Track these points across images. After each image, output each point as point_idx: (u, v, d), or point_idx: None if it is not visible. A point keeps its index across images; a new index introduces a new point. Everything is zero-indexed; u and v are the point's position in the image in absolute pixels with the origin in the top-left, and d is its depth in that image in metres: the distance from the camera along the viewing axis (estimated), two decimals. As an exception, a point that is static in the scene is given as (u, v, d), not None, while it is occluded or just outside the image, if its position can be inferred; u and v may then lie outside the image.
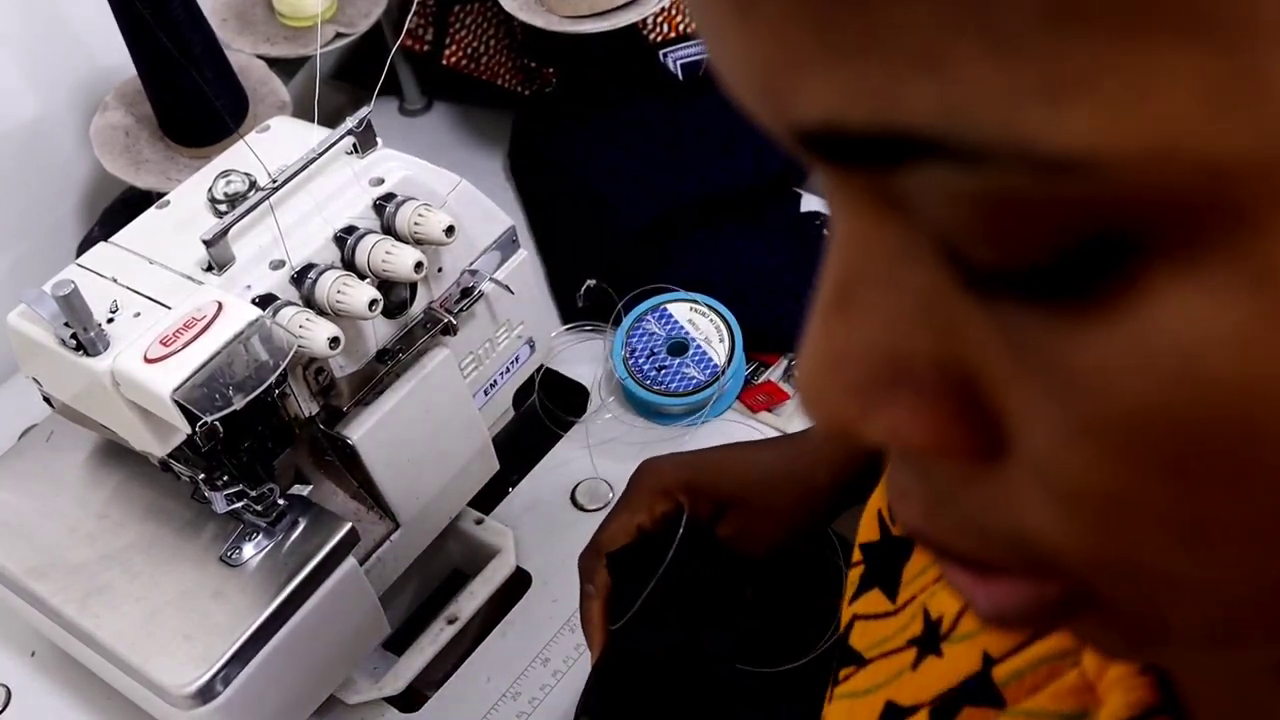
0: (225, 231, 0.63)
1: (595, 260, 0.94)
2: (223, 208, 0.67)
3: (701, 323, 0.87)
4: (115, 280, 0.64)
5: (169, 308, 0.62)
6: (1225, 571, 0.20)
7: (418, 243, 0.67)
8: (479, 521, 0.82)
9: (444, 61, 1.12)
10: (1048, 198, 0.17)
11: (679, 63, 1.02)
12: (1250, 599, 0.20)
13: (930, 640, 0.41)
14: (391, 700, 0.75)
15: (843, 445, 0.67)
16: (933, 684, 0.40)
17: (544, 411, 0.88)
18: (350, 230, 0.66)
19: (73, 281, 0.58)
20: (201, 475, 0.66)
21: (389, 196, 0.68)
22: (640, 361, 0.86)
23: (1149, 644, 0.23)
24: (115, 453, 0.74)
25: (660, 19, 1.01)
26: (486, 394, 0.80)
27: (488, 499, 0.83)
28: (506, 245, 0.76)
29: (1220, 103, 0.15)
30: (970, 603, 0.24)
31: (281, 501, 0.69)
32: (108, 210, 0.99)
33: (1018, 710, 0.36)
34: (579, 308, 0.91)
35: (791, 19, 0.18)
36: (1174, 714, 0.32)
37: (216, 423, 0.59)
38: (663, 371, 0.85)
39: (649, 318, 0.88)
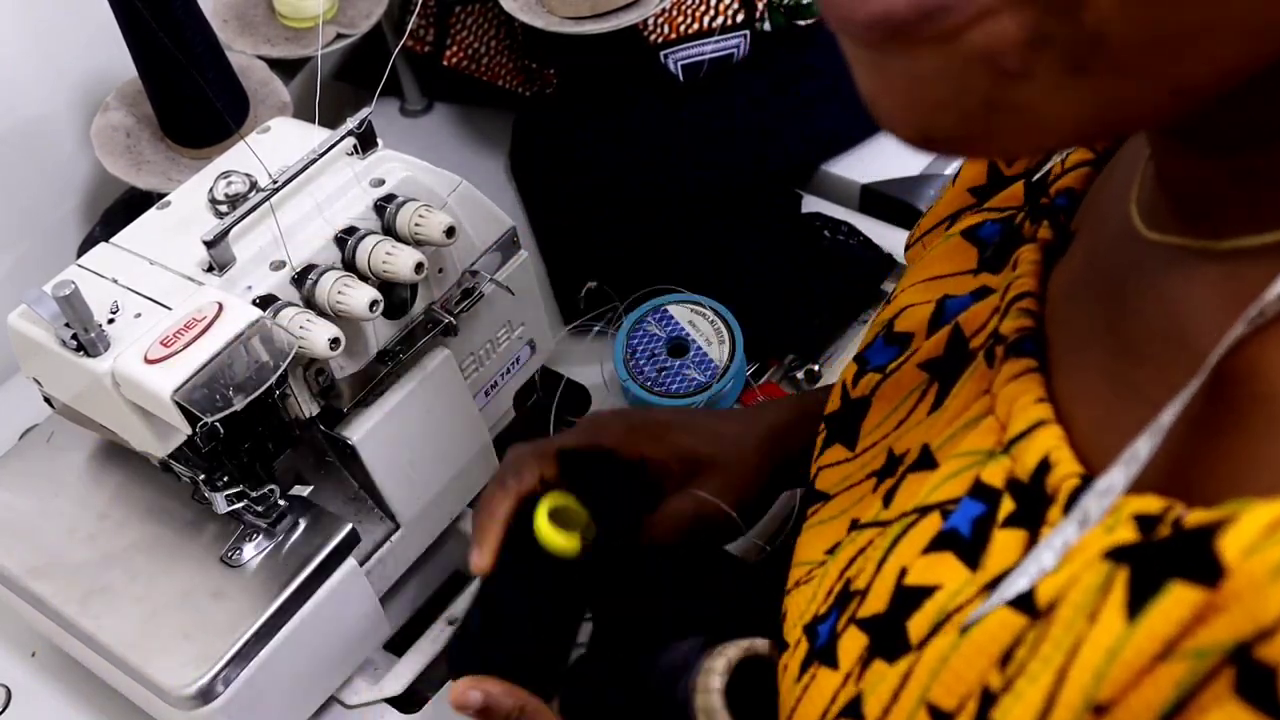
0: (226, 232, 0.63)
1: (596, 261, 0.94)
2: (223, 208, 0.67)
3: (702, 324, 0.87)
4: (116, 281, 0.64)
5: (169, 308, 0.62)
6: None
7: (418, 244, 0.67)
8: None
9: (445, 62, 1.12)
10: None
11: (679, 63, 1.02)
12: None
13: (891, 468, 0.47)
14: (392, 701, 0.75)
15: (790, 409, 0.69)
16: (886, 491, 0.46)
17: (545, 413, 0.88)
18: (351, 231, 0.66)
19: (73, 282, 0.58)
20: (202, 476, 0.66)
21: (390, 197, 0.68)
22: (641, 363, 0.86)
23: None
24: (116, 453, 0.74)
25: (661, 20, 1.01)
26: (487, 395, 0.80)
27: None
28: (507, 246, 0.76)
29: None
30: (861, 9, 0.28)
31: (282, 502, 0.69)
32: (108, 211, 0.99)
33: (952, 455, 0.41)
34: (580, 309, 0.91)
35: None
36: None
37: (217, 423, 0.59)
38: (663, 373, 0.85)
39: (650, 319, 0.88)
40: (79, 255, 0.68)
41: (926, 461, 0.43)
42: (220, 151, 0.78)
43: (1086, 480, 0.35)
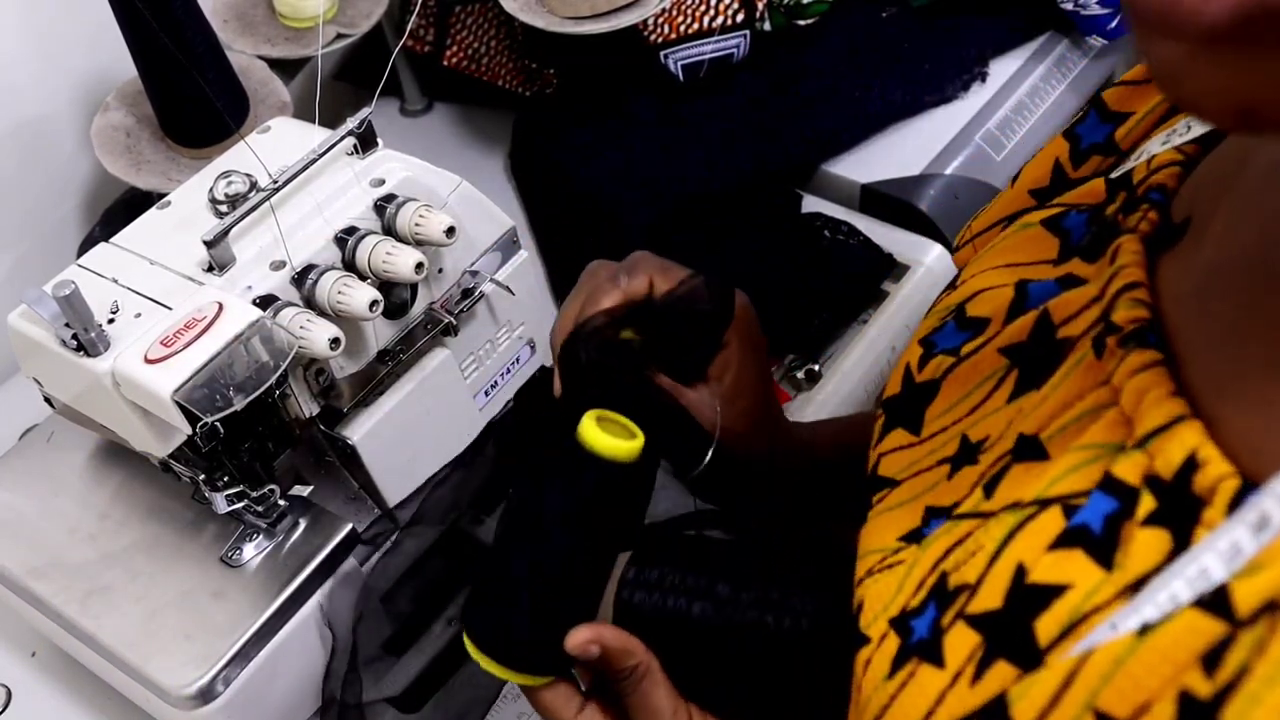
0: (226, 232, 0.63)
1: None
2: (223, 208, 0.67)
3: (702, 324, 0.87)
4: (116, 281, 0.64)
5: (170, 308, 0.62)
6: None
7: (418, 243, 0.67)
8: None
9: (445, 62, 1.12)
10: None
11: (679, 63, 1.02)
12: None
13: (967, 455, 0.45)
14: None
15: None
16: (970, 482, 0.44)
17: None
18: (351, 231, 0.66)
19: (73, 282, 0.58)
20: (202, 476, 0.66)
21: (390, 197, 0.68)
22: (641, 362, 0.86)
23: None
24: (116, 453, 0.74)
25: (661, 20, 1.01)
26: (487, 395, 0.80)
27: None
28: (507, 246, 0.76)
29: None
30: (1198, 18, 0.27)
31: (282, 502, 0.69)
32: (109, 211, 0.99)
33: (1072, 448, 0.39)
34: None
35: None
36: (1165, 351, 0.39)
37: (217, 423, 0.59)
38: (663, 372, 0.85)
39: (649, 318, 0.88)
40: (79, 255, 0.68)
41: (1034, 451, 0.42)
42: (220, 151, 0.78)
43: (1248, 484, 0.34)
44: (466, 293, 0.73)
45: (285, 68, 1.00)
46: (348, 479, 0.73)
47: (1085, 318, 0.44)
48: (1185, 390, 0.38)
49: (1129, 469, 0.37)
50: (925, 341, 0.51)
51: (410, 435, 0.72)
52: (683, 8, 1.02)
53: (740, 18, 1.03)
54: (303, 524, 0.69)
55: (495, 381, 0.80)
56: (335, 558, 0.69)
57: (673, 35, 1.02)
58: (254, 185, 0.67)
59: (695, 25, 1.02)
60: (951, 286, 0.53)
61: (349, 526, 0.69)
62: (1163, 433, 0.36)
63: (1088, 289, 0.45)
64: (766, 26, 1.04)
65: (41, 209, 1.02)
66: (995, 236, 0.55)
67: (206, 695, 0.63)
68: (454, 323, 0.71)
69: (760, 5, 1.03)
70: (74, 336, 0.60)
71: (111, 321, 0.62)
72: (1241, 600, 0.32)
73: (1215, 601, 0.32)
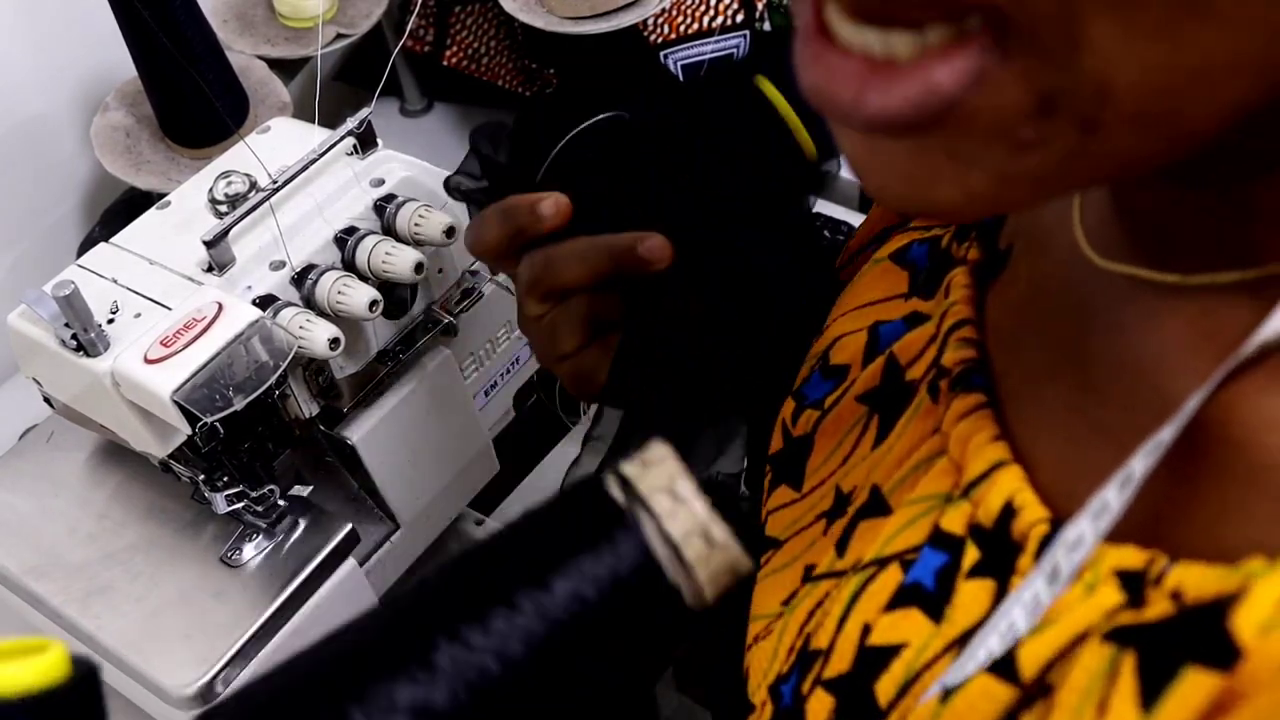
0: (226, 232, 0.63)
1: (596, 261, 0.94)
2: (223, 208, 0.67)
3: (702, 324, 0.87)
4: (116, 281, 0.64)
5: (169, 308, 0.62)
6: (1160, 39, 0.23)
7: (418, 244, 0.67)
8: (479, 523, 0.82)
9: (445, 62, 1.12)
10: None
11: (679, 63, 1.02)
12: (1165, 67, 0.23)
13: (839, 508, 0.45)
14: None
15: None
16: (837, 535, 0.44)
17: (544, 412, 0.88)
18: (351, 231, 0.66)
19: (73, 282, 0.58)
20: (202, 476, 0.66)
21: (389, 197, 0.68)
22: (640, 362, 0.86)
23: (1044, 106, 0.25)
24: (115, 453, 0.74)
25: (661, 20, 1.01)
26: (487, 395, 0.80)
27: (488, 500, 0.83)
28: (507, 246, 0.76)
29: None
30: (857, 112, 0.26)
31: (282, 502, 0.69)
32: (108, 211, 0.99)
33: (907, 501, 0.39)
34: (579, 308, 0.91)
35: None
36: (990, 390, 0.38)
37: (217, 423, 0.59)
38: (663, 372, 0.85)
39: (649, 319, 0.88)
40: (79, 255, 0.68)
41: (879, 506, 0.41)
42: (220, 151, 0.78)
43: (1056, 525, 0.33)
44: (466, 293, 0.73)
45: (285, 68, 1.00)
46: (347, 479, 0.73)
47: (925, 359, 0.43)
48: (1009, 433, 0.37)
49: (955, 519, 0.36)
50: (796, 394, 0.50)
51: (410, 435, 0.72)
52: (683, 8, 1.02)
53: (740, 18, 1.03)
54: (302, 524, 0.69)
55: (495, 382, 0.80)
56: (335, 558, 0.69)
57: (673, 35, 1.02)
58: (254, 185, 0.67)
59: (695, 25, 1.02)
60: (819, 331, 0.52)
61: (349, 526, 0.69)
62: (984, 480, 0.36)
63: (927, 328, 0.44)
64: (766, 26, 1.04)
65: (41, 209, 1.02)
66: (867, 261, 0.54)
67: (206, 695, 0.63)
68: (454, 323, 0.71)
69: (760, 5, 1.03)
70: (74, 336, 0.60)
71: (111, 321, 0.62)
72: (1026, 663, 0.31)
73: (1003, 664, 0.32)
